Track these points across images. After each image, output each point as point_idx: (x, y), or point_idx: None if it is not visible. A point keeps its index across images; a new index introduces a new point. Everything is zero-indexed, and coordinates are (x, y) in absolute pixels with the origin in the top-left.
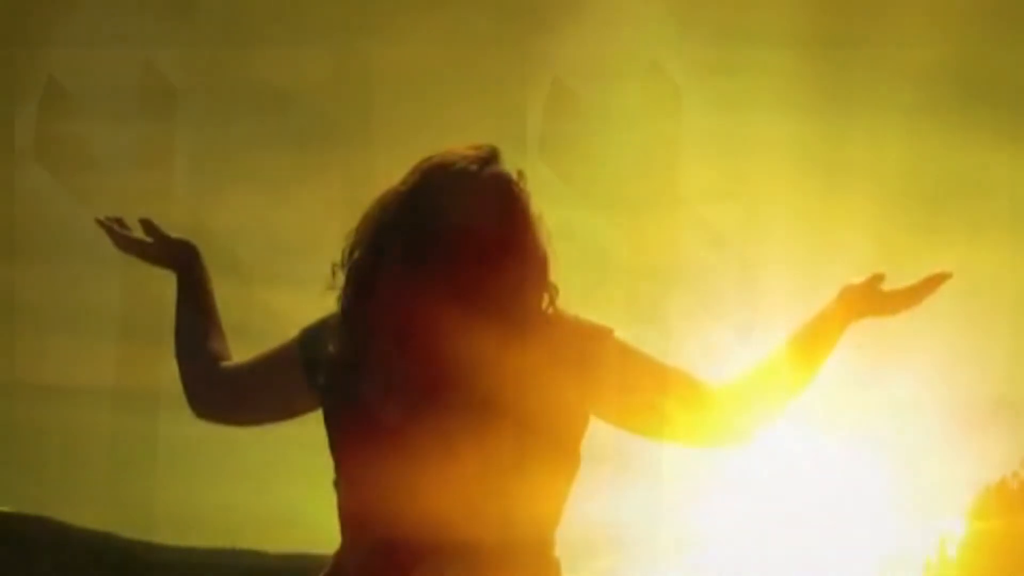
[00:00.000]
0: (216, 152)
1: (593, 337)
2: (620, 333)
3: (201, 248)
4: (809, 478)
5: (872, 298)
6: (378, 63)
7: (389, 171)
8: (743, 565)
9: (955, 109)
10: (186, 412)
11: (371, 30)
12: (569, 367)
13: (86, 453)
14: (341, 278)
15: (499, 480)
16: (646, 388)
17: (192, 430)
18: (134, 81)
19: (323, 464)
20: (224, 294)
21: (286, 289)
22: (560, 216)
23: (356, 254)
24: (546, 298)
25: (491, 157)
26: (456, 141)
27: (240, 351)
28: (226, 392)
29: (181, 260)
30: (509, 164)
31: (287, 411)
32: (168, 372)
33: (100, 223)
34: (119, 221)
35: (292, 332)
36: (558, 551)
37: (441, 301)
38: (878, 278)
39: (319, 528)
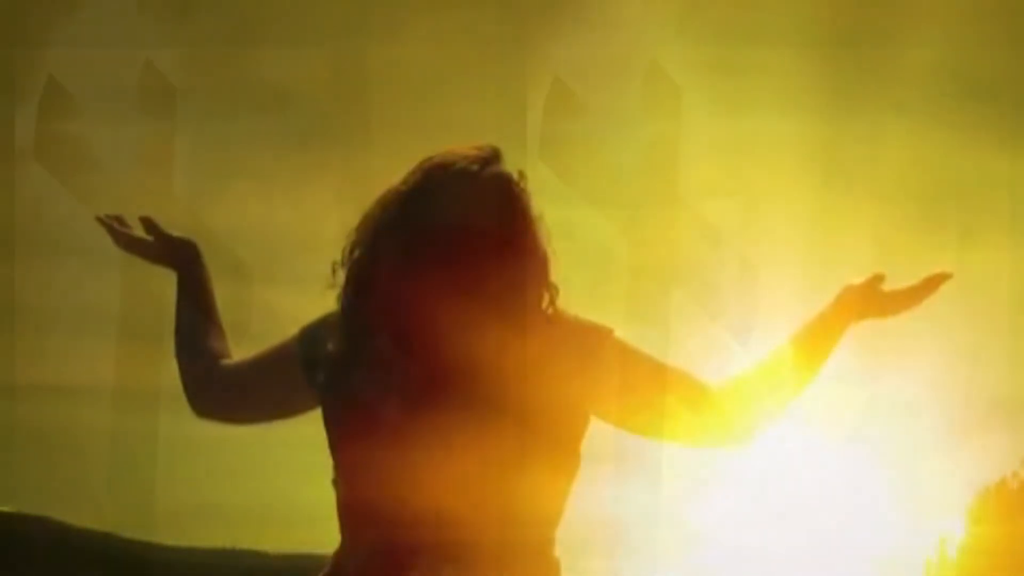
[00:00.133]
0: (216, 152)
1: (593, 337)
2: (620, 332)
3: (201, 248)
4: (809, 478)
5: (872, 299)
6: (378, 63)
7: (389, 171)
8: (743, 565)
9: (956, 109)
10: (186, 412)
11: (371, 30)
12: (569, 367)
13: (86, 453)
14: (341, 277)
15: (499, 479)
16: (646, 388)
17: (192, 430)
18: (134, 81)
19: (323, 463)
20: (224, 294)
21: (286, 289)
22: (559, 215)
23: (356, 253)
24: (546, 298)
25: (492, 157)
26: (456, 141)
27: (240, 351)
28: (226, 391)
29: (181, 258)
30: (509, 164)
31: (287, 409)
32: (168, 372)
33: (100, 221)
34: (119, 219)
35: (292, 331)
36: (558, 551)
37: (440, 299)
38: (878, 279)
39: (319, 528)
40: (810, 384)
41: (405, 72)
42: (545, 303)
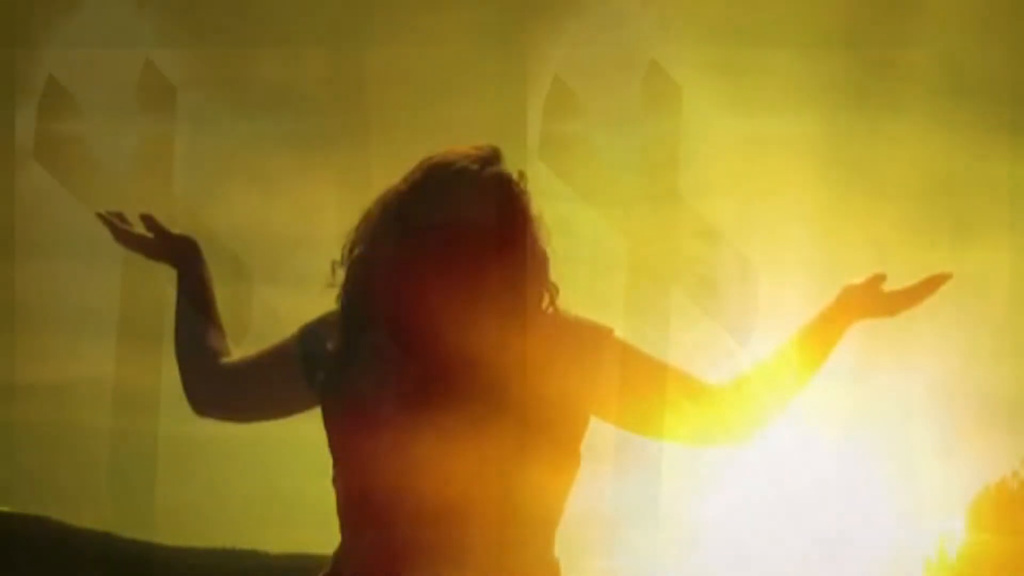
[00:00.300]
0: (216, 152)
1: (593, 337)
2: (620, 332)
3: (201, 246)
4: (809, 478)
5: (872, 299)
6: (378, 63)
7: (389, 170)
8: (743, 565)
9: (955, 108)
10: (186, 412)
11: (371, 30)
12: (569, 366)
13: (86, 453)
14: (341, 276)
15: (498, 478)
16: (647, 388)
17: (192, 430)
18: (134, 81)
19: (323, 463)
20: (224, 294)
21: (286, 288)
22: (558, 212)
23: (356, 252)
24: (546, 297)
25: (492, 157)
26: (456, 141)
27: (240, 350)
28: (226, 389)
29: (182, 255)
30: (509, 164)
31: (287, 408)
32: (168, 372)
33: (101, 217)
34: (120, 216)
35: (292, 331)
36: (558, 551)
37: (440, 298)
38: (879, 278)
39: (319, 528)
40: (809, 384)
41: (405, 72)
42: (545, 303)
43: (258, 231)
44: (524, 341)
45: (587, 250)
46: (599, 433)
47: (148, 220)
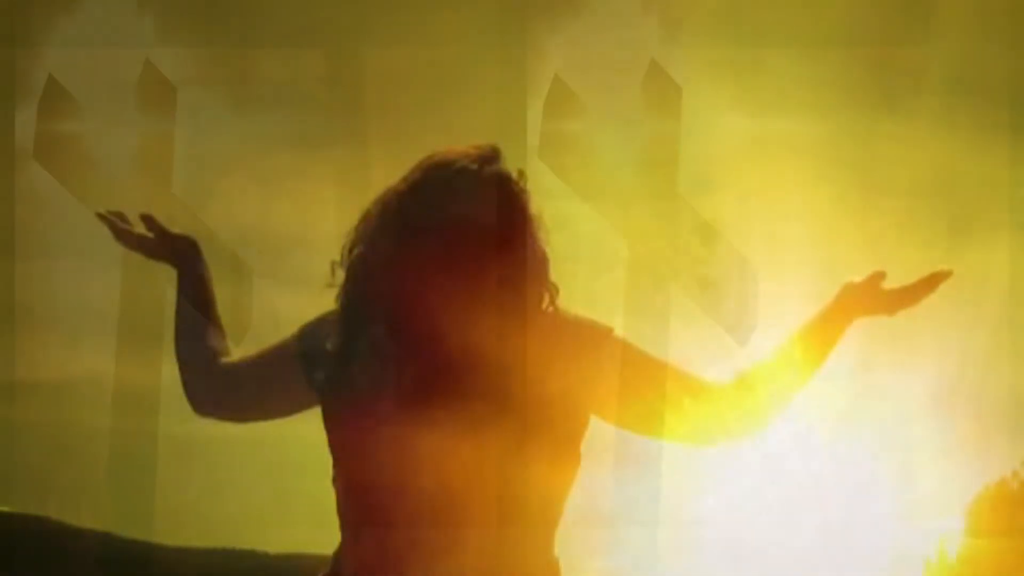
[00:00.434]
0: (216, 151)
1: (593, 336)
2: (620, 330)
3: (200, 246)
4: (808, 478)
5: (873, 297)
6: (378, 63)
7: (389, 170)
8: (742, 565)
9: (951, 107)
10: (186, 412)
11: (371, 30)
12: (569, 366)
13: (86, 453)
14: (341, 276)
15: (497, 478)
16: (646, 387)
17: (192, 430)
18: (134, 81)
19: (322, 463)
20: (224, 294)
21: (286, 288)
22: (557, 210)
23: (356, 251)
24: (546, 297)
25: (492, 156)
26: (456, 140)
27: (240, 351)
28: (226, 389)
29: (182, 255)
30: (509, 164)
31: (287, 408)
32: (168, 372)
33: (101, 217)
34: (120, 215)
35: (292, 331)
36: (558, 550)
37: (438, 296)
38: (879, 276)
39: (319, 528)
40: (810, 382)
41: (405, 72)
42: (545, 302)
43: (258, 231)
44: (524, 340)
45: (586, 248)
46: (599, 433)
47: (148, 220)
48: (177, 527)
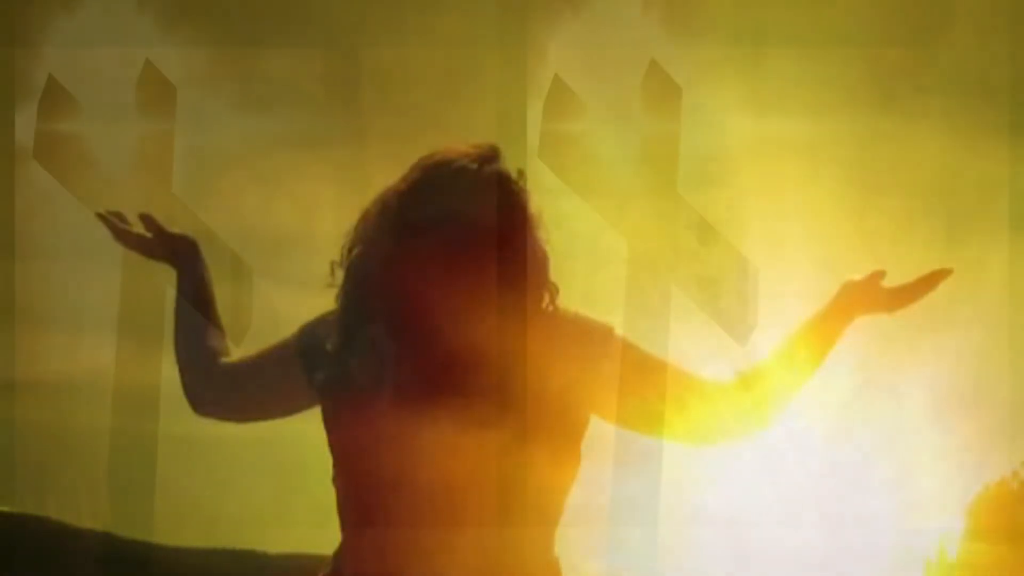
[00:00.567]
0: (216, 151)
1: (594, 336)
2: (620, 330)
3: (200, 246)
4: (808, 478)
5: (873, 295)
6: (378, 62)
7: (389, 170)
8: (743, 565)
9: (947, 105)
10: (186, 412)
11: (371, 30)
12: (569, 365)
13: (86, 453)
14: (340, 276)
15: (498, 478)
16: (647, 387)
17: (192, 430)
18: (134, 81)
19: (323, 463)
20: (224, 294)
21: (286, 289)
22: (553, 206)
23: (355, 251)
24: (546, 296)
25: (491, 155)
26: (456, 140)
27: (240, 351)
28: (226, 389)
29: (181, 255)
30: (509, 163)
31: (287, 407)
32: (168, 372)
33: (101, 217)
34: (119, 215)
35: (292, 331)
36: (558, 550)
37: (437, 293)
38: (879, 275)
39: (319, 528)
40: (810, 381)
41: (405, 71)
42: (545, 302)
43: (258, 231)
44: (524, 339)
45: (584, 245)
46: (599, 433)
47: (147, 219)
48: (177, 527)
